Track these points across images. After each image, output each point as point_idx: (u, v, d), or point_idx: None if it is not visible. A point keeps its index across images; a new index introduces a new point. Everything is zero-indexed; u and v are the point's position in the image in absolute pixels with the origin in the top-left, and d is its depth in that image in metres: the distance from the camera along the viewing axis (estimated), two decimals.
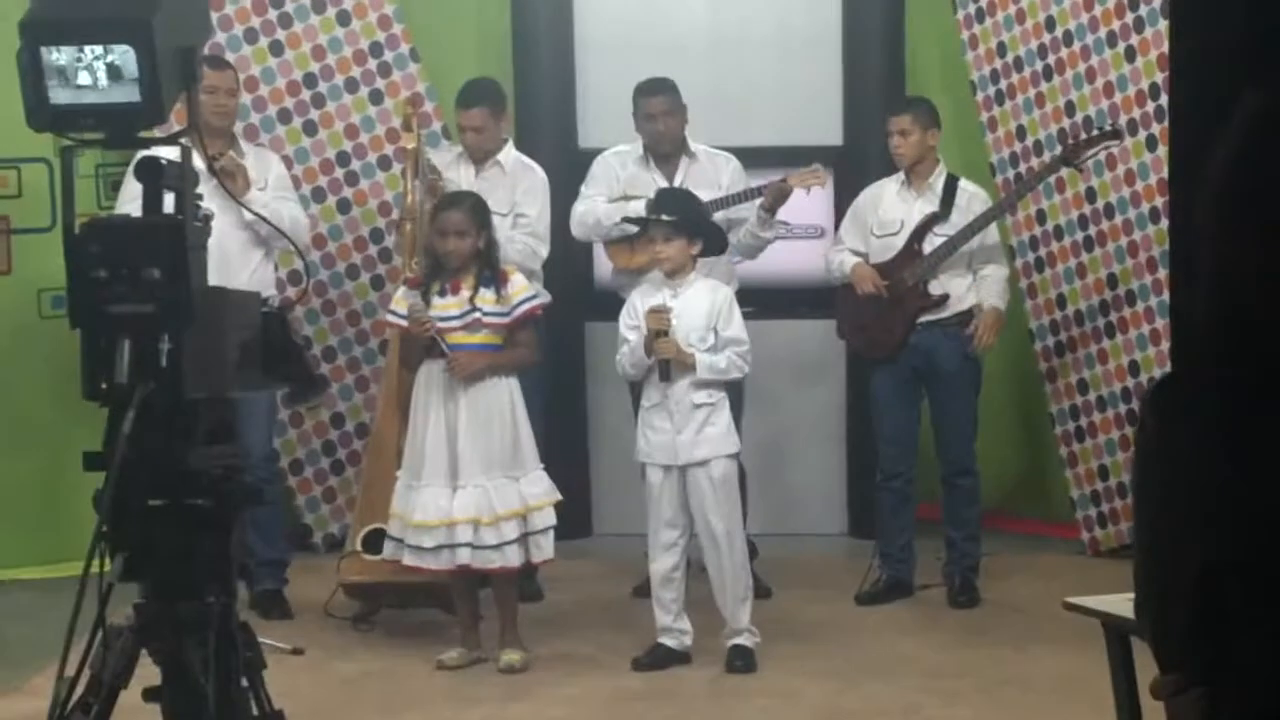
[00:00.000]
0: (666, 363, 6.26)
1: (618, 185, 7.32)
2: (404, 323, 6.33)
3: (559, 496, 6.44)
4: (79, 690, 3.19)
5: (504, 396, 6.31)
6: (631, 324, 6.41)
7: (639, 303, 6.42)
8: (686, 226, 6.38)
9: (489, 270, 6.32)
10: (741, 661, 6.30)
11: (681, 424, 6.30)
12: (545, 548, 6.35)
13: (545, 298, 6.86)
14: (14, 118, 3.39)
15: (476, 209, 6.37)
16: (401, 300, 6.39)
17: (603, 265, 8.40)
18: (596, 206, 7.31)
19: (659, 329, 6.24)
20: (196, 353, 3.16)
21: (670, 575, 6.35)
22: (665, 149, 7.34)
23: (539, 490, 6.34)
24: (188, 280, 3.12)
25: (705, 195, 7.07)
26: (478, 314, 6.27)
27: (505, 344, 6.34)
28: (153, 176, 3.20)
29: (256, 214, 6.66)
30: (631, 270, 7.17)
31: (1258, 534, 1.98)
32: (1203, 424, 2.05)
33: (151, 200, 3.22)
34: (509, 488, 6.26)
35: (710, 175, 7.33)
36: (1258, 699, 2.02)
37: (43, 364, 7.65)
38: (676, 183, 7.23)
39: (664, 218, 6.39)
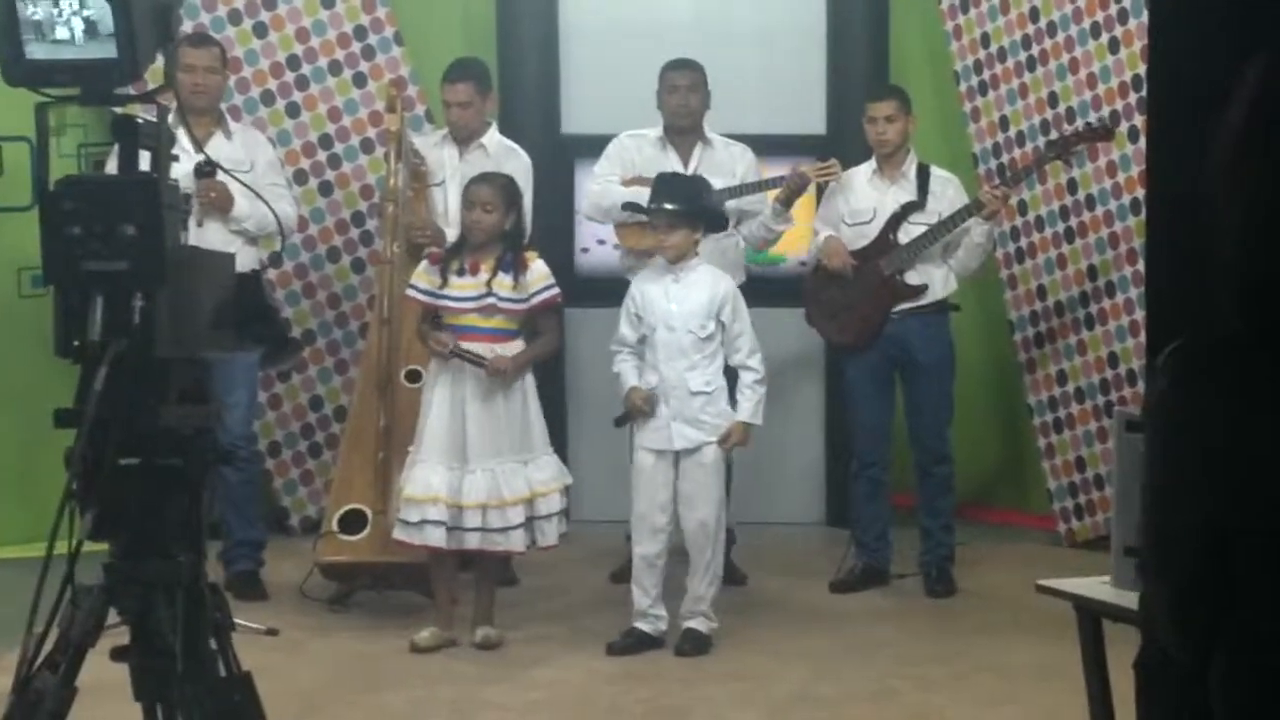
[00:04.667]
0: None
1: (633, 167, 7.27)
2: (424, 299, 6.29)
3: (569, 480, 6.45)
4: (46, 648, 3.18)
5: (515, 381, 6.29)
6: (633, 311, 6.40)
7: (638, 292, 6.42)
8: (689, 214, 6.37)
9: (511, 254, 6.28)
10: (690, 645, 6.29)
11: (678, 410, 6.31)
12: (549, 533, 6.34)
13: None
14: None
15: (507, 188, 6.33)
16: (423, 274, 6.33)
17: (583, 252, 8.42)
18: (613, 189, 7.22)
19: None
20: (170, 312, 3.13)
21: (654, 561, 6.36)
22: (684, 123, 7.30)
23: (546, 475, 6.32)
24: (162, 238, 3.10)
25: (718, 184, 7.06)
26: (493, 299, 6.23)
27: (520, 328, 6.31)
28: (128, 134, 3.19)
29: (245, 229, 6.70)
30: (640, 251, 7.08)
31: (1269, 502, 1.96)
32: (1218, 389, 2.02)
33: (127, 158, 3.21)
34: (517, 472, 6.25)
35: (725, 163, 7.31)
36: (1266, 668, 1.99)
37: (22, 344, 7.59)
38: (691, 168, 7.22)
39: (667, 206, 6.37)
